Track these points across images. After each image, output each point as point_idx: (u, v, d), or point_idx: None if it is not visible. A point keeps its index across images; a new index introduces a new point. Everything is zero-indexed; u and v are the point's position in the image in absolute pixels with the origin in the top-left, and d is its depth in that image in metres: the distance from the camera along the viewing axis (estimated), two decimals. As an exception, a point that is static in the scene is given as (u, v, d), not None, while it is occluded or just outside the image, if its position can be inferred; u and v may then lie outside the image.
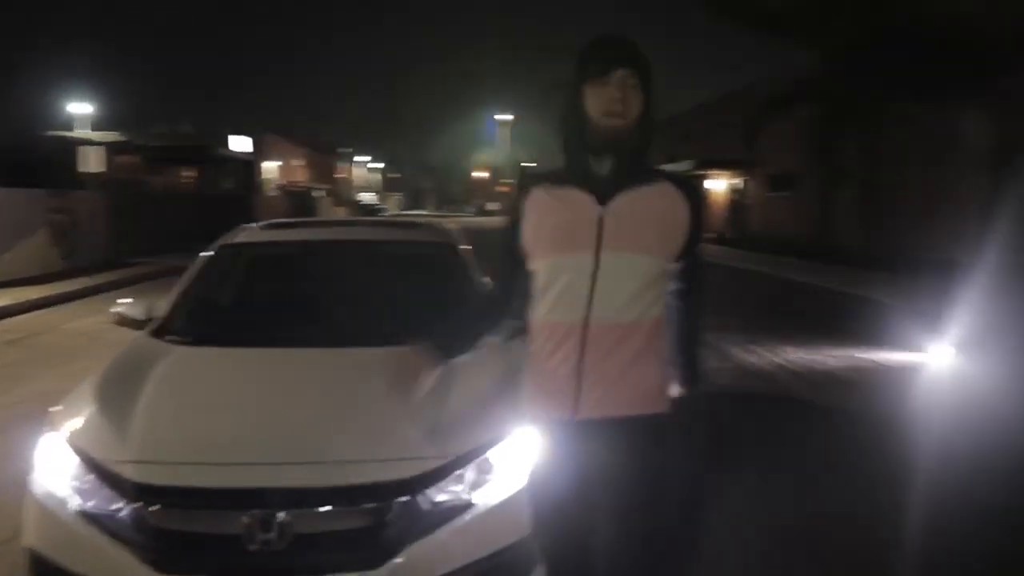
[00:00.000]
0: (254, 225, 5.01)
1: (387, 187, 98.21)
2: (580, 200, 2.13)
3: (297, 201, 44.58)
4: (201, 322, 4.06)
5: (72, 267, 16.51)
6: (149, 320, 4.08)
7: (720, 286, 14.91)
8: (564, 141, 2.17)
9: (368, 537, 2.61)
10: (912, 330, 9.45)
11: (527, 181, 2.25)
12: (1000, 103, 15.15)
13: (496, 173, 79.10)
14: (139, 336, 3.90)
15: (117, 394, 3.15)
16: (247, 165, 38.13)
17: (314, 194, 50.01)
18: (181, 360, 3.49)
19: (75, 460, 2.84)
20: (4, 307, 11.47)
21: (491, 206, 64.94)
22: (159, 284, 15.66)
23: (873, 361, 8.41)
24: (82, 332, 10.15)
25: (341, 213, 60.10)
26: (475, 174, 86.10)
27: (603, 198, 2.11)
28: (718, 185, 33.45)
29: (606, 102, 2.06)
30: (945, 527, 4.11)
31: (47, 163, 21.57)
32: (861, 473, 5.02)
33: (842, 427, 6.06)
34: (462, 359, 2.53)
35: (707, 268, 2.32)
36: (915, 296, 12.47)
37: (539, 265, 2.17)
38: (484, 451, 2.84)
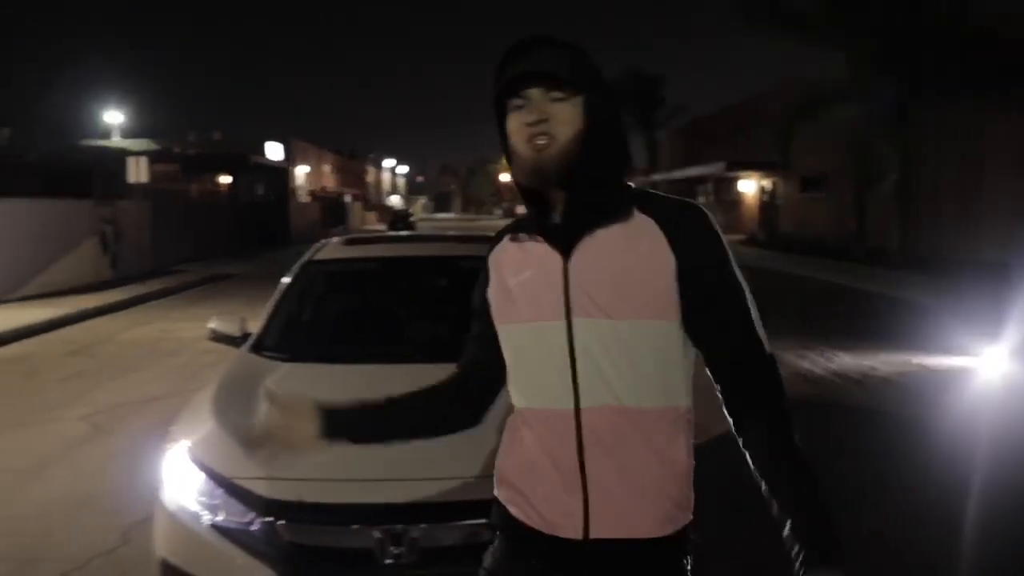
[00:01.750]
0: (335, 240, 5.15)
1: (412, 191, 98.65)
2: (540, 252, 1.62)
3: (329, 207, 44.97)
4: (295, 339, 4.20)
5: (119, 276, 16.83)
6: (243, 336, 4.23)
7: (759, 289, 14.92)
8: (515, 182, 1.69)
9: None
10: (960, 334, 9.46)
11: (503, 228, 1.80)
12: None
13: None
14: (241, 352, 4.04)
15: (234, 410, 3.29)
16: (280, 172, 38.53)
17: (345, 199, 50.39)
18: (289, 377, 3.62)
19: (201, 476, 2.98)
20: (63, 317, 11.75)
21: (520, 210, 65.08)
22: (204, 292, 15.96)
23: (926, 366, 8.43)
24: (139, 342, 10.39)
25: (373, 218, 60.48)
26: (502, 177, 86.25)
27: (563, 248, 1.58)
28: (748, 186, 33.39)
29: (523, 130, 1.57)
30: (1012, 531, 4.17)
31: (87, 172, 21.97)
32: (932, 481, 5.08)
33: (905, 433, 6.12)
34: None
35: (772, 360, 1.57)
36: (960, 299, 12.44)
37: (503, 335, 1.69)
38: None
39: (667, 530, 1.57)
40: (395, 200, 74.71)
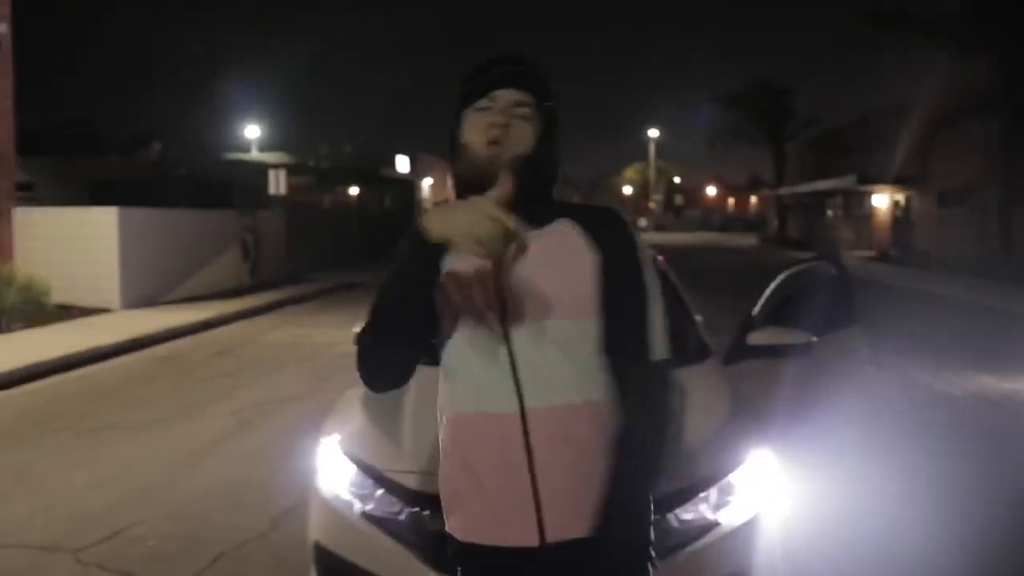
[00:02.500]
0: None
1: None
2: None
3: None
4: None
5: (257, 282, 17.76)
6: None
7: (901, 310, 14.41)
8: (455, 180, 1.75)
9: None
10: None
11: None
12: None
13: (646, 188, 78.64)
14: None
15: (382, 407, 3.51)
16: (406, 184, 39.66)
17: (467, 211, 51.29)
18: (430, 378, 3.83)
19: (352, 467, 3.21)
20: (208, 320, 12.54)
21: (642, 222, 64.61)
22: (334, 299, 16.64)
23: (1076, 391, 7.99)
24: (279, 344, 10.97)
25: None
26: (624, 189, 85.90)
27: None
28: (881, 201, 32.15)
29: (484, 128, 1.65)
30: None
31: (229, 184, 23.27)
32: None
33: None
34: (694, 384, 2.70)
35: (658, 367, 1.67)
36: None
37: (441, 339, 1.71)
38: (726, 474, 3.02)
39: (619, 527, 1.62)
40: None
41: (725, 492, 2.99)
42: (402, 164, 41.76)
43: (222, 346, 10.93)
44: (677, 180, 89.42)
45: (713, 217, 75.69)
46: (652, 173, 75.86)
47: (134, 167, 28.77)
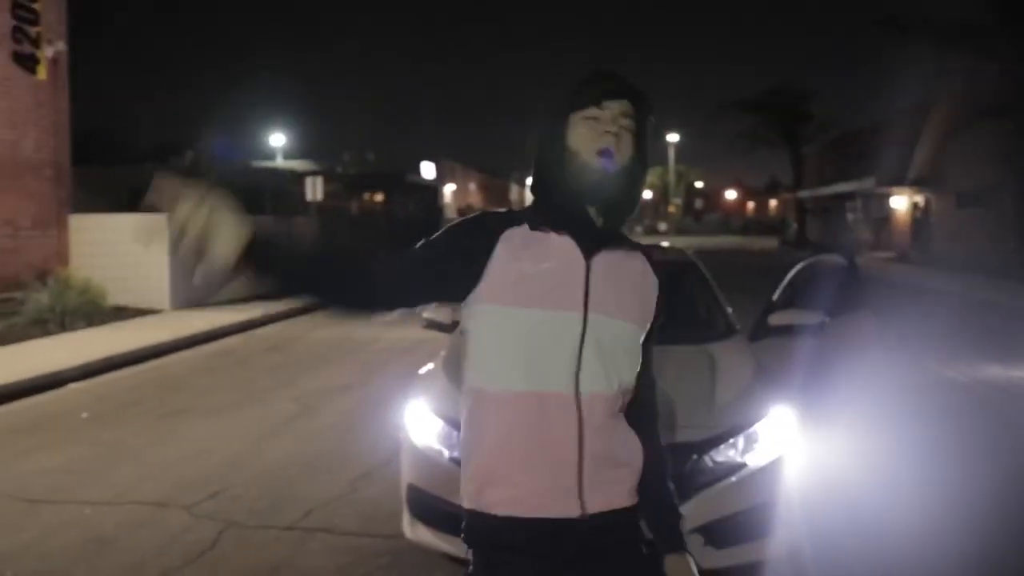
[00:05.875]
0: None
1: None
2: (565, 248, 1.78)
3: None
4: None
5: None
6: (453, 323, 5.12)
7: (917, 309, 14.90)
8: (541, 180, 1.84)
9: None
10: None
11: (515, 213, 1.86)
12: None
13: (665, 192, 79.06)
14: (456, 333, 4.93)
15: (458, 373, 4.12)
16: (430, 190, 40.43)
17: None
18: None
19: (439, 422, 3.83)
20: (255, 319, 13.27)
21: (661, 226, 65.06)
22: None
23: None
24: (325, 341, 11.65)
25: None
26: (645, 195, 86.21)
27: (589, 251, 1.78)
28: (900, 203, 32.52)
29: (596, 137, 1.74)
30: None
31: (260, 191, 24.06)
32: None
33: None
34: (724, 354, 3.30)
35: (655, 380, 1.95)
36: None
37: (498, 316, 1.74)
38: (751, 424, 3.64)
39: (635, 499, 1.82)
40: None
41: (751, 439, 3.62)
42: (427, 170, 42.59)
43: (272, 342, 11.63)
44: (699, 184, 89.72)
45: (733, 220, 75.95)
46: (671, 177, 76.26)
47: (167, 175, 29.64)
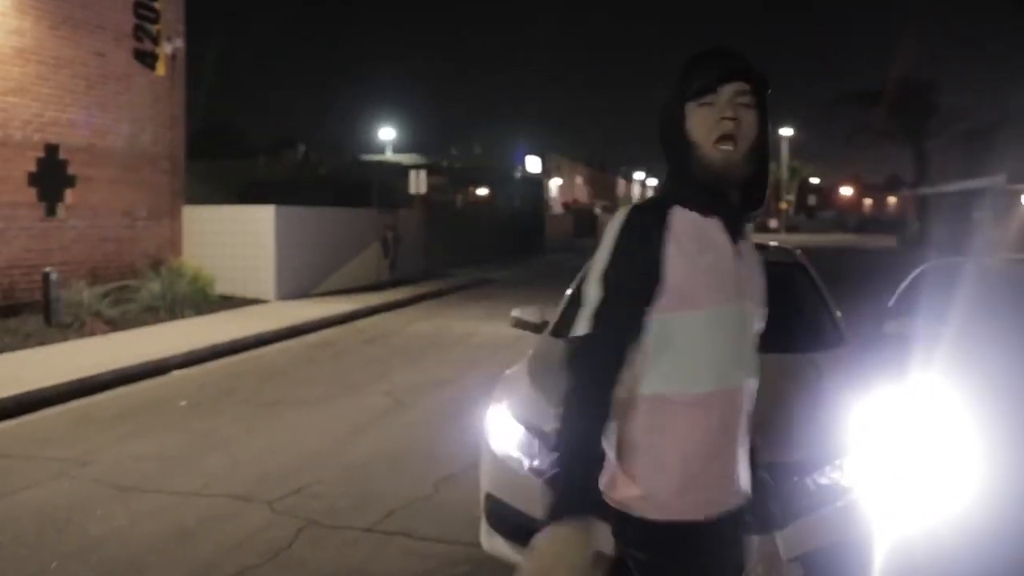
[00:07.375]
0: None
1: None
2: (718, 235, 1.73)
3: (581, 218, 46.29)
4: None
5: (397, 277, 18.65)
6: (541, 323, 4.91)
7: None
8: (677, 169, 1.77)
9: (762, 506, 3.14)
10: None
11: (662, 197, 1.78)
12: None
13: (777, 189, 76.79)
14: (544, 336, 4.72)
15: (545, 376, 3.90)
16: (536, 184, 40.36)
17: (596, 211, 51.61)
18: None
19: (520, 428, 3.62)
20: (354, 311, 13.38)
21: (772, 223, 63.18)
22: (470, 295, 17.29)
23: None
24: (423, 334, 11.64)
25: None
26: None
27: (734, 236, 1.76)
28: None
29: (715, 124, 1.69)
30: None
31: (368, 184, 24.41)
32: None
33: None
34: (832, 366, 2.97)
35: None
36: None
37: (670, 324, 1.68)
38: (859, 445, 3.28)
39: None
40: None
41: (858, 462, 3.26)
42: (533, 164, 42.53)
43: (370, 335, 11.69)
44: (815, 180, 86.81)
45: (848, 218, 73.11)
46: (784, 172, 73.95)
47: (279, 168, 30.56)
